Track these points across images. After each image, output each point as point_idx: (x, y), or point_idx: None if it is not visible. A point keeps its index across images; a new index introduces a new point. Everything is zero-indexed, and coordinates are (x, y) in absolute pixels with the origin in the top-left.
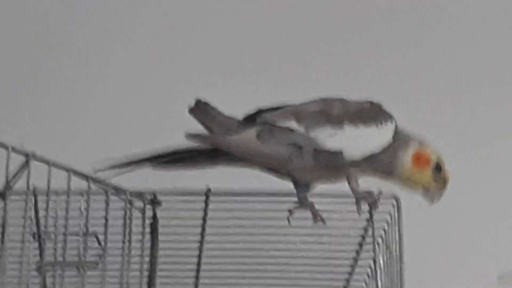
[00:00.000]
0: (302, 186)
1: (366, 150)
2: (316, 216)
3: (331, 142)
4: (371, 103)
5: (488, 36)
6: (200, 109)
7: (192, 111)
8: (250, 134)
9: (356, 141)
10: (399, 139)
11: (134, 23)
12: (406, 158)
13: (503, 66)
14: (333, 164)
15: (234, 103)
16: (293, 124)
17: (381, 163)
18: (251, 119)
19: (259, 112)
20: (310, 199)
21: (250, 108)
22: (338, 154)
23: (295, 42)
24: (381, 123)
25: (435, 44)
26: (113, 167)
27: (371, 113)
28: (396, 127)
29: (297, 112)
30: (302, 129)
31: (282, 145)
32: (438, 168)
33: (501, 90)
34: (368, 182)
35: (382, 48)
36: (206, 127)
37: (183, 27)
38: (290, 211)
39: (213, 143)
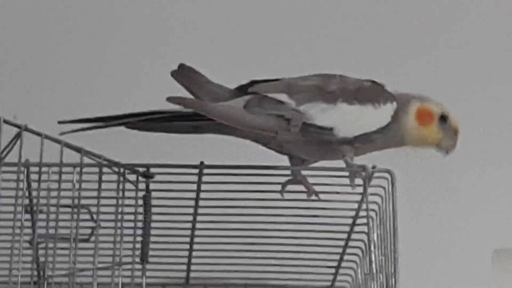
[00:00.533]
0: (296, 161)
1: (359, 129)
2: (310, 191)
3: (321, 117)
4: (373, 82)
5: (488, 36)
6: (184, 74)
7: (175, 75)
8: (238, 102)
9: (348, 118)
10: (400, 103)
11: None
12: (410, 119)
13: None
14: (323, 140)
15: None
16: (283, 96)
17: (382, 140)
18: (244, 90)
19: (253, 83)
20: (304, 173)
21: None
22: (328, 130)
23: (291, 39)
24: (379, 103)
25: (434, 44)
26: (83, 127)
27: (370, 93)
28: (397, 107)
29: (290, 85)
30: (293, 102)
31: (269, 116)
32: (444, 118)
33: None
34: (362, 157)
35: (377, 48)
36: (192, 93)
37: (178, 22)
38: (282, 185)
39: (197, 108)
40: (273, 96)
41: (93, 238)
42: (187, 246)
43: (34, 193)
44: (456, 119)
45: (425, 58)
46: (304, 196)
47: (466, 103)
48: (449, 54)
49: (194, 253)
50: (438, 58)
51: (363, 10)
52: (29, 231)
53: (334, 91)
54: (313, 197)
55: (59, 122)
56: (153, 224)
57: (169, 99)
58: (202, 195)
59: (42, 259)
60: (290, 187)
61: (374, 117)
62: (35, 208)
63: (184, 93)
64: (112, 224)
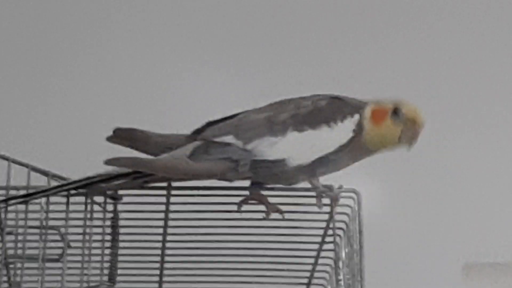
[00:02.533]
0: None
1: (314, 153)
2: (269, 209)
3: (271, 152)
4: (330, 99)
5: (486, 37)
6: (122, 137)
7: (112, 139)
8: (183, 152)
9: (300, 146)
10: (363, 116)
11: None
12: (367, 122)
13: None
14: (275, 172)
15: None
16: (230, 138)
17: (349, 155)
18: (199, 133)
19: (208, 124)
20: (273, 193)
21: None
22: (279, 162)
23: (288, 41)
24: (335, 122)
25: (432, 44)
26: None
27: (325, 113)
28: (359, 119)
29: (238, 125)
30: (240, 142)
31: (215, 161)
32: (395, 111)
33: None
34: (328, 176)
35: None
36: (138, 150)
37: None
38: (238, 204)
39: (135, 166)
40: (220, 140)
41: (62, 259)
42: (157, 266)
43: (2, 215)
44: (412, 109)
45: (419, 63)
46: (273, 215)
47: (441, 119)
48: (442, 59)
49: (164, 273)
50: (428, 66)
51: (361, 11)
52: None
53: (284, 120)
54: (277, 216)
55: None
56: (122, 245)
57: (107, 162)
58: (170, 215)
59: (13, 279)
60: (260, 207)
61: (330, 137)
62: (4, 230)
63: None
64: (80, 245)
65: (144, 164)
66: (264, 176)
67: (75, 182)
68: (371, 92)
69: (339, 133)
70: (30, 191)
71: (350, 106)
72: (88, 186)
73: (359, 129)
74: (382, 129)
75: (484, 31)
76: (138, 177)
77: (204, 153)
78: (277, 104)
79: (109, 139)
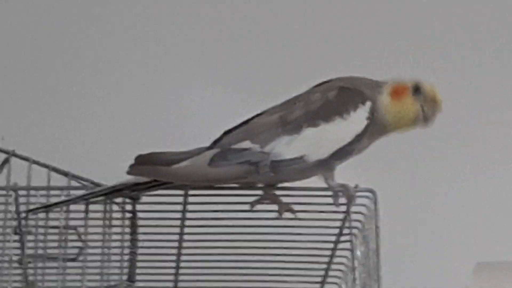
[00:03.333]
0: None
1: (331, 147)
2: (282, 209)
3: (288, 150)
4: (338, 89)
5: (485, 38)
6: (144, 162)
7: (132, 169)
8: (200, 159)
9: (317, 141)
10: (376, 92)
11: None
12: (385, 98)
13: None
14: (295, 170)
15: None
16: (246, 143)
17: (367, 141)
18: (216, 143)
19: (225, 133)
20: (288, 192)
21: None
22: (298, 159)
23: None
24: (348, 112)
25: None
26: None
27: (336, 105)
28: (371, 105)
29: (251, 129)
30: (257, 146)
31: (235, 165)
32: (416, 88)
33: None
34: (344, 175)
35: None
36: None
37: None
38: (251, 204)
39: (156, 175)
40: (237, 147)
41: (82, 258)
42: (174, 267)
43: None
44: (432, 88)
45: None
46: (288, 214)
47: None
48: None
49: (180, 273)
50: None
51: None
52: (18, 252)
53: (297, 118)
54: (290, 215)
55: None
56: (140, 244)
57: (129, 172)
58: (188, 215)
59: (31, 278)
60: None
61: (346, 128)
62: (23, 230)
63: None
64: (100, 244)
65: (165, 172)
66: (285, 176)
67: (96, 192)
68: None
69: (354, 123)
70: (52, 196)
71: (360, 94)
72: (109, 195)
73: (372, 115)
74: (402, 105)
75: (483, 35)
76: (158, 184)
77: (223, 160)
78: (287, 103)
79: (130, 169)
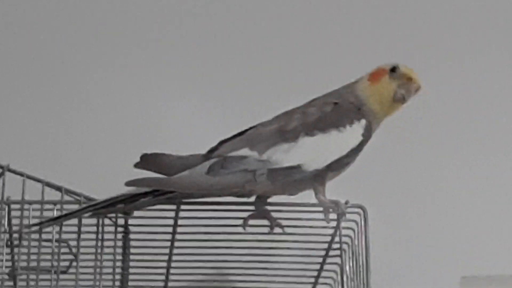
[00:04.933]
0: (263, 197)
1: (328, 158)
2: (272, 224)
3: (286, 158)
4: (333, 105)
5: (482, 38)
6: (148, 162)
7: (138, 165)
8: (200, 169)
9: (314, 151)
10: (356, 84)
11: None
12: (363, 83)
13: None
14: (293, 179)
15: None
16: (245, 151)
17: (352, 160)
18: (212, 152)
19: (221, 142)
20: (279, 208)
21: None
22: (296, 168)
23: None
24: (344, 126)
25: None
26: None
27: (332, 118)
28: (366, 123)
29: (251, 139)
30: (255, 153)
31: (233, 174)
32: (393, 68)
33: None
34: (335, 192)
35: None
36: (162, 173)
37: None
38: (244, 220)
39: (156, 185)
40: (235, 154)
41: (74, 271)
42: (164, 279)
43: (16, 228)
44: (407, 69)
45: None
46: (278, 229)
47: (437, 135)
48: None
49: (170, 286)
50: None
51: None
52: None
53: (295, 127)
54: (278, 230)
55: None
56: (132, 258)
57: (128, 184)
58: (179, 229)
59: None
60: (265, 222)
61: (342, 141)
62: (15, 243)
63: None
64: (92, 257)
65: (164, 183)
66: (282, 186)
67: (97, 204)
68: None
69: (350, 137)
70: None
71: (353, 111)
72: (111, 206)
73: (367, 133)
74: (380, 86)
75: (482, 38)
76: (158, 195)
77: (221, 168)
78: (284, 115)
79: (137, 165)
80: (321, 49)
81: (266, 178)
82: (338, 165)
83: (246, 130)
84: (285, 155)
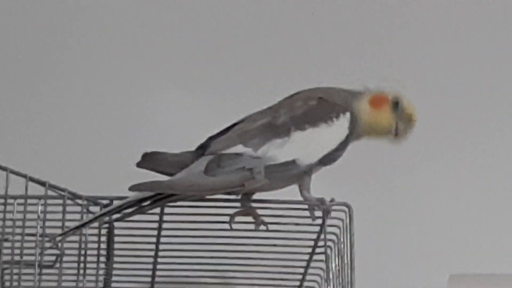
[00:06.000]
0: (249, 193)
1: (321, 152)
2: (258, 221)
3: (281, 154)
4: (318, 99)
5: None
6: (148, 160)
7: (140, 164)
8: (197, 168)
9: (307, 145)
10: (354, 98)
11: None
12: (364, 104)
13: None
14: (289, 175)
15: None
16: (239, 148)
17: (340, 154)
18: (203, 148)
19: (210, 138)
20: (264, 205)
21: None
22: (291, 163)
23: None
24: (331, 119)
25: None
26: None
27: (318, 112)
28: (351, 116)
29: (242, 134)
30: (250, 150)
31: (231, 173)
32: (396, 103)
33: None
34: (320, 189)
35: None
36: (159, 172)
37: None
38: (231, 216)
39: (157, 189)
40: (230, 152)
41: (58, 266)
42: (150, 276)
43: (0, 223)
44: (410, 105)
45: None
46: (262, 227)
47: (424, 131)
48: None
49: (156, 281)
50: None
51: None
52: None
53: (284, 123)
54: (262, 227)
55: None
56: (116, 253)
57: (131, 188)
58: (164, 225)
59: (7, 284)
60: (250, 219)
61: (331, 134)
62: (0, 237)
63: None
64: (76, 252)
65: (165, 186)
66: (279, 182)
67: (109, 212)
68: None
69: (337, 130)
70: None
71: (338, 105)
72: (119, 211)
73: (352, 125)
74: (380, 115)
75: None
76: (160, 198)
77: (218, 167)
78: (268, 110)
79: (139, 164)
80: (312, 44)
81: (264, 175)
82: (329, 159)
83: (232, 126)
84: (279, 151)
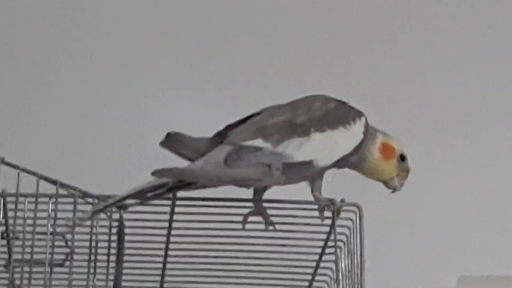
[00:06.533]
0: (259, 191)
1: (337, 155)
2: (267, 222)
3: (299, 153)
4: (336, 102)
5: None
6: (171, 141)
7: (164, 143)
8: (217, 158)
9: (324, 147)
10: (368, 133)
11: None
12: (374, 149)
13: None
14: (304, 174)
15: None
16: (259, 142)
17: (352, 160)
18: (221, 136)
19: (228, 127)
20: (275, 205)
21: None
22: (308, 163)
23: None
24: (349, 123)
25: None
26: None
27: (337, 115)
28: (366, 122)
29: (262, 128)
30: (269, 145)
31: (250, 166)
32: (402, 157)
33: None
34: (330, 190)
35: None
36: (179, 154)
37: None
38: (244, 217)
39: (179, 176)
40: (250, 144)
41: (68, 264)
42: (160, 275)
43: (11, 221)
44: (411, 162)
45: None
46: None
47: (435, 132)
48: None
49: (166, 281)
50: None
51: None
52: (5, 256)
53: (304, 122)
54: (278, 227)
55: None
56: (126, 251)
57: (154, 173)
58: (174, 224)
59: (17, 283)
60: (260, 218)
61: (347, 138)
62: (11, 235)
63: None
64: (86, 251)
65: (186, 173)
66: (295, 179)
67: (123, 198)
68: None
69: (353, 134)
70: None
71: (354, 109)
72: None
73: (366, 131)
74: (386, 165)
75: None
76: (178, 186)
77: (237, 159)
78: (288, 106)
79: (162, 143)
80: (316, 43)
81: (281, 172)
82: (343, 162)
83: (249, 117)
84: (298, 150)
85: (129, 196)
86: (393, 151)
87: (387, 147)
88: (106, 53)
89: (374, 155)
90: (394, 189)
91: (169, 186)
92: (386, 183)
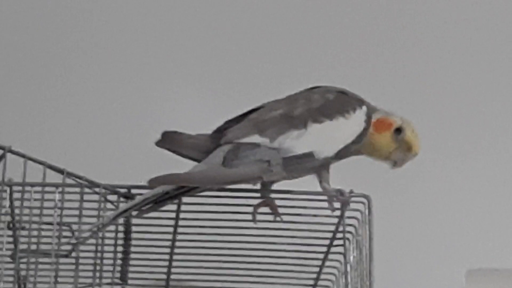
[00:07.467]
0: (268, 184)
1: (337, 145)
2: (276, 213)
3: (298, 146)
4: (336, 92)
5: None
6: (167, 140)
7: (159, 143)
8: (214, 160)
9: (323, 137)
10: (369, 112)
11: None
12: (369, 126)
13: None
14: (306, 167)
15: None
16: (255, 138)
17: (356, 148)
18: (220, 132)
19: (228, 122)
20: (284, 196)
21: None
22: (308, 155)
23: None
24: (348, 112)
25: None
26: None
27: (336, 104)
28: (367, 110)
29: (259, 123)
30: (266, 140)
31: (248, 164)
32: (398, 130)
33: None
34: (339, 181)
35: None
36: (177, 153)
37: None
38: (254, 208)
39: (176, 182)
40: (247, 141)
41: (74, 255)
42: (166, 266)
43: (17, 211)
44: (413, 136)
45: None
46: (283, 217)
47: (439, 128)
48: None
49: (173, 272)
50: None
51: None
52: (11, 246)
53: (301, 114)
54: (286, 218)
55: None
56: (134, 243)
57: (150, 182)
58: (181, 215)
59: (24, 273)
60: (267, 210)
61: (348, 127)
62: (17, 225)
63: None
64: (93, 242)
65: (183, 179)
66: (299, 173)
67: (139, 203)
68: None
69: (354, 123)
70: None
71: (354, 99)
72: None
73: (368, 120)
74: (380, 137)
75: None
76: (183, 192)
77: (235, 158)
78: (286, 100)
79: (158, 143)
80: (316, 42)
81: (282, 167)
82: (345, 152)
83: (248, 112)
84: (296, 142)
85: (140, 205)
86: (388, 125)
87: (381, 121)
88: (118, 50)
89: (368, 133)
90: (394, 164)
91: (173, 193)
92: (386, 159)
